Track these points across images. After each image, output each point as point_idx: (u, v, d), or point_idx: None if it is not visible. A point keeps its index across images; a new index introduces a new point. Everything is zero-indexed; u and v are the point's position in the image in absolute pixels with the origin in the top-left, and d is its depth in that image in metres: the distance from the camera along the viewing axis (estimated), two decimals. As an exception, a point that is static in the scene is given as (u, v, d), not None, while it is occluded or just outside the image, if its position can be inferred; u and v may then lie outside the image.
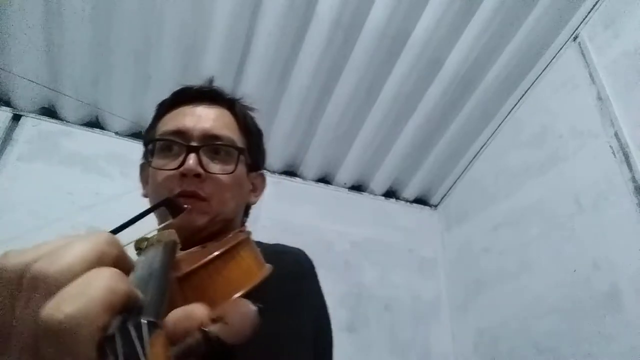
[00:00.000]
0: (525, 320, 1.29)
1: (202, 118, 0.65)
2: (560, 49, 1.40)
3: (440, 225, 1.90)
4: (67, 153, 1.53)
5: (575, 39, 1.35)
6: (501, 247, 1.48)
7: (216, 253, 0.32)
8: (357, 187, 1.89)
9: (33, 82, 1.42)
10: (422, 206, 1.94)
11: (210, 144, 0.62)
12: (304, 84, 1.49)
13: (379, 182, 1.85)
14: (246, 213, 0.73)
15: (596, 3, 1.29)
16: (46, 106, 1.58)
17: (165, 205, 0.45)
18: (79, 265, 0.20)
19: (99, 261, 0.21)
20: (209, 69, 1.41)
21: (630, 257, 1.02)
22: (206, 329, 0.21)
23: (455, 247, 1.76)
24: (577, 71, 1.30)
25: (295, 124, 1.61)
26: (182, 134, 0.63)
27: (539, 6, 1.32)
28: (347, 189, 1.87)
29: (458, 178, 1.83)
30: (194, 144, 0.61)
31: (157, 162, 0.63)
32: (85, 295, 0.19)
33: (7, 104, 1.53)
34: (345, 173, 1.82)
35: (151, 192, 0.65)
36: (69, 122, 1.58)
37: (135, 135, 1.65)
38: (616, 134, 1.13)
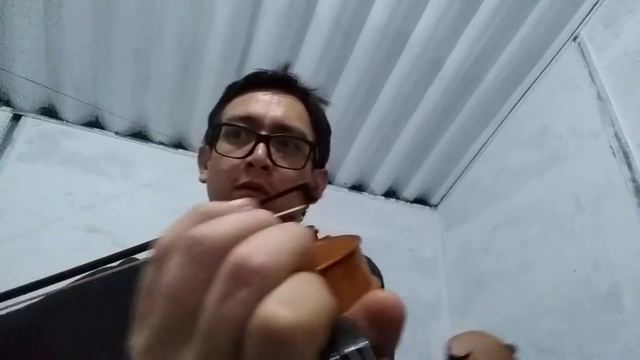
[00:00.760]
0: (525, 320, 1.28)
1: (274, 106, 0.61)
2: (560, 49, 1.40)
3: (440, 225, 1.90)
4: (67, 153, 1.53)
5: (575, 39, 1.35)
6: (501, 247, 1.48)
7: (349, 251, 0.27)
8: (357, 187, 1.89)
9: (33, 82, 1.42)
10: (422, 206, 1.94)
11: (281, 135, 0.59)
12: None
13: (379, 182, 1.85)
14: (304, 212, 0.71)
15: (596, 3, 1.29)
16: (46, 106, 1.58)
17: (300, 189, 0.43)
18: (292, 265, 0.17)
19: (304, 262, 0.18)
20: (209, 69, 1.41)
21: (630, 257, 1.02)
22: None
23: (455, 247, 1.76)
24: (577, 71, 1.30)
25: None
26: (252, 120, 0.59)
27: (539, 6, 1.32)
28: (347, 189, 1.87)
29: (458, 178, 1.83)
30: (264, 132, 0.58)
31: (222, 147, 0.59)
32: (308, 303, 0.15)
33: (7, 104, 1.53)
34: (345, 173, 1.82)
35: (213, 179, 0.61)
36: (69, 122, 1.58)
37: (135, 135, 1.65)
38: (616, 134, 1.13)
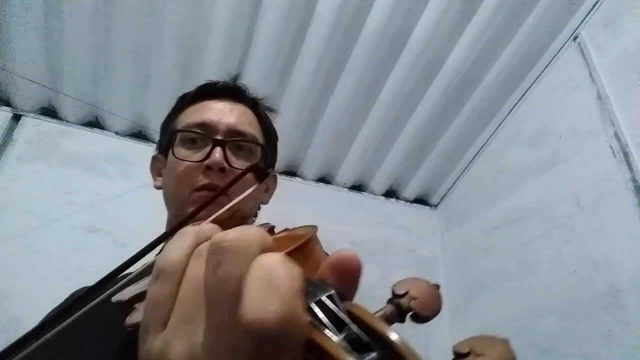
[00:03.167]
0: (525, 320, 1.28)
1: (227, 113, 0.65)
2: (560, 49, 1.40)
3: (440, 225, 1.89)
4: (67, 153, 1.53)
5: (575, 39, 1.35)
6: (501, 247, 1.48)
7: (306, 239, 0.33)
8: (357, 187, 1.89)
9: (33, 82, 1.42)
10: (422, 206, 1.94)
11: (236, 139, 0.63)
12: (304, 84, 1.49)
13: (379, 182, 1.85)
14: (256, 213, 0.74)
15: (596, 3, 1.29)
16: (46, 106, 1.58)
17: (252, 170, 0.46)
18: (258, 239, 0.21)
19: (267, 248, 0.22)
20: (209, 69, 1.41)
21: (630, 257, 1.02)
22: (397, 301, 0.23)
23: (455, 247, 1.76)
24: (577, 71, 1.30)
25: (295, 124, 1.61)
26: (207, 127, 0.63)
27: (539, 6, 1.32)
28: (347, 189, 1.87)
29: (458, 178, 1.83)
30: (219, 137, 0.61)
31: (179, 152, 0.62)
32: (279, 291, 0.18)
33: (7, 104, 1.53)
34: (345, 173, 1.82)
35: (170, 183, 0.64)
36: (69, 122, 1.58)
37: (135, 135, 1.65)
38: (616, 134, 1.13)
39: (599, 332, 1.04)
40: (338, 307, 0.19)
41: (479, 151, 1.73)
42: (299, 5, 1.32)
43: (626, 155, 1.09)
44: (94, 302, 0.31)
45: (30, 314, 0.65)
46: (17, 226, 1.34)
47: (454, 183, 1.85)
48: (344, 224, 1.74)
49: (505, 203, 1.51)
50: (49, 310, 0.66)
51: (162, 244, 0.38)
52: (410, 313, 0.24)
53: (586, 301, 1.10)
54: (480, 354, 0.22)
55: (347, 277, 0.22)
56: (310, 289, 0.20)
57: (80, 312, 0.30)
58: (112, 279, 0.33)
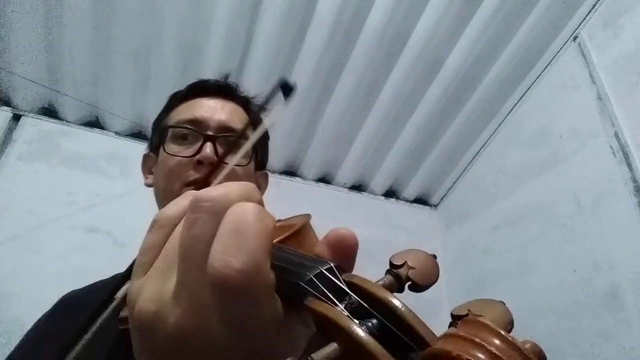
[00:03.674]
0: (525, 320, 1.28)
1: (219, 110, 0.65)
2: (560, 49, 1.40)
3: (440, 225, 1.89)
4: (67, 153, 1.53)
5: (575, 39, 1.35)
6: (501, 247, 1.48)
7: (298, 226, 0.34)
8: (357, 187, 1.89)
9: (33, 82, 1.42)
10: (422, 206, 1.94)
11: (227, 135, 0.63)
12: (304, 84, 1.49)
13: (379, 182, 1.85)
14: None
15: (596, 3, 1.29)
16: (46, 106, 1.57)
17: (281, 86, 0.46)
18: (238, 199, 0.22)
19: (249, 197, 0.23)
20: (209, 69, 1.41)
21: (630, 257, 1.02)
22: (396, 271, 0.24)
23: (455, 247, 1.76)
24: (577, 71, 1.30)
25: (295, 124, 1.61)
26: (198, 123, 0.63)
27: (539, 6, 1.32)
28: (347, 189, 1.87)
29: (458, 178, 1.83)
30: (210, 133, 0.61)
31: (170, 148, 0.62)
32: (245, 244, 0.19)
33: (7, 104, 1.53)
34: (345, 173, 1.82)
35: (161, 179, 0.64)
36: (69, 122, 1.58)
37: (135, 135, 1.65)
38: (616, 134, 1.13)
39: (599, 332, 1.04)
40: (338, 278, 0.20)
41: (479, 151, 1.73)
42: (299, 5, 1.32)
43: (626, 155, 1.09)
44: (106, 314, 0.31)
45: (30, 314, 0.65)
46: (17, 226, 1.33)
47: (454, 183, 1.85)
48: (344, 224, 1.71)
49: (505, 203, 1.51)
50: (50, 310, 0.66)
51: None
52: (408, 283, 0.24)
53: (586, 301, 1.10)
54: (478, 316, 0.22)
55: (344, 252, 0.23)
56: (309, 263, 0.20)
57: (94, 328, 0.31)
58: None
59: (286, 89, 0.45)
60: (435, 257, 0.27)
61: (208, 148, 0.59)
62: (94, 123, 1.62)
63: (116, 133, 1.62)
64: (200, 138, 0.61)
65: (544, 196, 1.34)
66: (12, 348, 0.60)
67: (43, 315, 0.65)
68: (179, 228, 0.23)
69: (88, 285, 0.67)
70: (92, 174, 1.52)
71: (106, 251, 1.38)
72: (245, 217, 0.20)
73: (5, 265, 1.27)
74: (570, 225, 1.21)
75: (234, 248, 0.19)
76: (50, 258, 1.33)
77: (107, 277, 0.65)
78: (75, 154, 1.53)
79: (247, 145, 0.46)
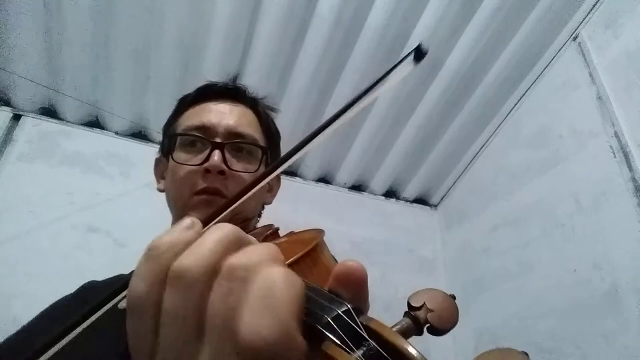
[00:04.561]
0: (525, 320, 1.28)
1: (227, 115, 0.65)
2: (560, 49, 1.40)
3: (440, 225, 1.90)
4: (67, 153, 1.53)
5: (575, 39, 1.35)
6: (501, 247, 1.48)
7: (313, 244, 0.33)
8: (357, 187, 1.89)
9: (33, 82, 1.42)
10: (422, 206, 1.94)
11: (235, 141, 0.63)
12: (304, 84, 1.49)
13: (379, 182, 1.85)
14: (259, 213, 0.73)
15: (596, 3, 1.29)
16: (46, 106, 1.57)
17: (415, 50, 0.44)
18: (264, 259, 0.21)
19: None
20: (209, 69, 1.41)
21: (630, 257, 1.02)
22: (414, 314, 0.23)
23: (455, 247, 1.76)
24: (577, 71, 1.30)
25: (295, 124, 1.61)
26: (206, 129, 0.63)
27: (539, 6, 1.32)
28: (347, 189, 1.87)
29: (458, 178, 1.83)
30: (218, 140, 0.61)
31: (179, 156, 0.62)
32: (275, 313, 0.18)
33: (7, 104, 1.53)
34: (345, 173, 1.82)
35: (171, 187, 0.64)
36: (69, 122, 1.58)
37: (135, 135, 1.65)
38: (616, 134, 1.13)
39: (599, 332, 1.04)
40: (355, 322, 0.19)
41: (479, 151, 1.73)
42: (299, 5, 1.32)
43: (626, 155, 1.09)
44: (106, 307, 0.30)
45: (30, 314, 0.65)
46: (17, 226, 1.33)
47: (454, 183, 1.85)
48: (344, 224, 1.74)
49: (505, 203, 1.51)
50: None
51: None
52: (427, 325, 0.24)
53: (586, 301, 1.10)
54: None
55: (352, 288, 0.23)
56: (326, 303, 0.20)
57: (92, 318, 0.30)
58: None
59: (419, 52, 0.42)
60: (454, 297, 0.27)
61: (216, 156, 0.59)
62: (94, 123, 1.62)
63: (116, 133, 1.62)
64: (209, 145, 0.60)
65: (544, 196, 1.34)
66: (12, 348, 0.60)
67: (63, 297, 0.65)
68: (172, 306, 0.20)
69: (109, 278, 0.67)
70: (92, 174, 1.52)
71: (106, 251, 1.38)
72: (275, 283, 0.19)
73: (5, 265, 1.27)
74: (570, 225, 1.21)
75: (265, 316, 0.18)
76: (50, 258, 1.33)
77: (128, 273, 0.65)
78: (75, 154, 1.53)
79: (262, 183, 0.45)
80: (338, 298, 0.21)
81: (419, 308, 0.24)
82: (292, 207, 1.72)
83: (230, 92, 0.70)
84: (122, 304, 0.30)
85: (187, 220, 0.24)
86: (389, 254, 1.74)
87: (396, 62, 0.42)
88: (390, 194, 1.91)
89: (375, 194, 1.89)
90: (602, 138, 1.16)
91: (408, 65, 0.39)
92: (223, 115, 0.65)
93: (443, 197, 1.91)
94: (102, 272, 0.69)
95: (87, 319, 0.27)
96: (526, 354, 0.23)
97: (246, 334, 0.18)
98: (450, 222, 1.83)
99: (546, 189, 1.33)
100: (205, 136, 0.62)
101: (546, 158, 1.36)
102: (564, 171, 1.28)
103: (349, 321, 0.19)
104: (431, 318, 0.23)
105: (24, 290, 1.23)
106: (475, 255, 1.60)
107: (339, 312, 0.20)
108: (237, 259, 0.20)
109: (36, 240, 1.33)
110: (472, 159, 1.76)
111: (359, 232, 1.75)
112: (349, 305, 0.20)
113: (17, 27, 1.34)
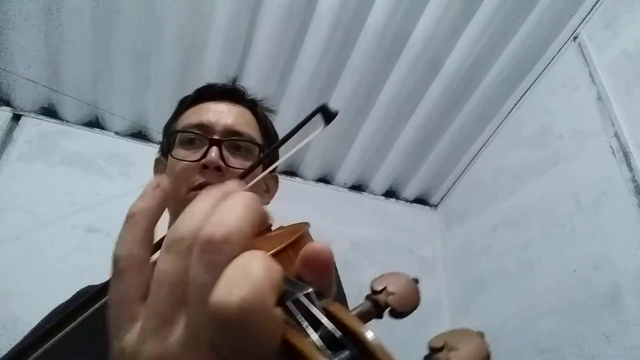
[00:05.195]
0: (525, 320, 1.28)
1: (225, 114, 0.66)
2: (560, 49, 1.40)
3: (440, 225, 1.90)
4: (67, 153, 1.53)
5: (575, 39, 1.35)
6: (501, 247, 1.48)
7: (296, 236, 0.33)
8: (357, 187, 1.89)
9: (33, 82, 1.42)
10: (422, 206, 1.94)
11: (233, 138, 0.63)
12: (304, 84, 1.49)
13: (379, 182, 1.85)
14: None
15: (596, 3, 1.29)
16: (46, 106, 1.57)
17: (320, 111, 0.46)
18: (251, 230, 0.20)
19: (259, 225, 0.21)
20: (209, 69, 1.41)
21: (630, 257, 1.02)
22: (375, 297, 0.23)
23: (455, 247, 1.76)
24: (577, 71, 1.30)
25: (295, 124, 1.61)
26: (204, 127, 0.64)
27: (539, 6, 1.32)
28: (347, 189, 1.87)
29: (458, 178, 1.83)
30: (216, 137, 0.62)
31: (178, 152, 0.63)
32: (250, 278, 0.17)
33: (7, 104, 1.53)
34: (345, 173, 1.82)
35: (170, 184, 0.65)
36: (69, 122, 1.58)
37: (135, 135, 1.65)
38: (616, 134, 1.13)
39: (599, 332, 1.04)
40: (315, 305, 0.19)
41: (479, 151, 1.73)
42: (299, 5, 1.32)
43: (626, 155, 1.09)
44: (96, 305, 0.31)
45: (30, 314, 0.65)
46: (17, 226, 1.33)
47: (454, 183, 1.85)
48: (344, 224, 1.74)
49: (505, 203, 1.51)
50: (50, 309, 0.66)
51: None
52: (388, 309, 0.23)
53: (586, 301, 1.10)
54: (453, 348, 0.22)
55: (317, 270, 0.22)
56: (289, 288, 0.20)
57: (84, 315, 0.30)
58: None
59: (328, 114, 0.45)
60: (417, 281, 0.26)
61: (213, 152, 0.60)
62: (94, 123, 1.62)
63: (116, 133, 1.62)
64: (207, 142, 0.61)
65: (544, 196, 1.34)
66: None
67: (57, 307, 0.66)
68: (165, 269, 0.21)
69: (106, 281, 0.67)
70: (92, 174, 1.52)
71: (106, 251, 1.36)
72: (254, 256, 0.19)
73: (5, 265, 1.27)
74: (570, 225, 1.21)
75: (239, 280, 0.17)
76: (50, 258, 1.33)
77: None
78: (75, 154, 1.53)
79: (259, 176, 0.45)
80: (301, 282, 0.21)
81: (380, 291, 0.24)
82: (292, 207, 1.71)
83: (230, 92, 0.71)
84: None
85: (153, 182, 0.25)
86: (389, 254, 1.74)
87: (300, 122, 0.43)
88: (390, 194, 1.91)
89: (375, 194, 1.89)
90: (602, 138, 1.16)
91: (319, 127, 0.40)
92: (221, 114, 0.66)
93: (443, 197, 1.91)
94: (102, 272, 0.69)
95: (73, 320, 0.28)
96: (482, 334, 0.23)
97: (216, 294, 0.17)
98: (450, 222, 1.83)
99: (546, 189, 1.33)
100: (203, 133, 0.63)
101: (546, 158, 1.36)
102: (564, 171, 1.28)
103: (307, 304, 0.19)
104: (392, 301, 0.23)
105: (24, 290, 1.24)
106: (475, 255, 1.60)
107: (298, 295, 0.19)
108: (218, 228, 0.20)
109: (36, 240, 1.33)
110: (472, 159, 1.76)
111: (358, 232, 1.75)
112: (309, 289, 0.20)
113: (17, 27, 1.34)
